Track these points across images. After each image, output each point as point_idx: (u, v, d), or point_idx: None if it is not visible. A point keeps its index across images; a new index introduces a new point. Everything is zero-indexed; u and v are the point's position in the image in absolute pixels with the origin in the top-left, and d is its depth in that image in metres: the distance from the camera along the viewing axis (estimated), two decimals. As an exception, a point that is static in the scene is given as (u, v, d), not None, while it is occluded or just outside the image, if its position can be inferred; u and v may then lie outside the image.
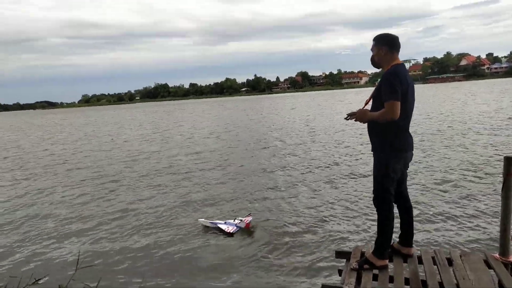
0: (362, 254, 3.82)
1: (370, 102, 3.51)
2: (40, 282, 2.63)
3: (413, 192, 7.30)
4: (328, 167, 10.22)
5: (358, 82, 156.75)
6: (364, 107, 3.58)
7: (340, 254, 4.02)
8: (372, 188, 3.53)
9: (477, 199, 6.66)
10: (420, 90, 66.57)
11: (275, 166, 10.93)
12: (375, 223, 3.63)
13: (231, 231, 6.20)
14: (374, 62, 3.56)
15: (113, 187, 9.65)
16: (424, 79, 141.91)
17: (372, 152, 3.54)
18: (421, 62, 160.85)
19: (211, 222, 6.50)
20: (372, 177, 3.55)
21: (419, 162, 10.09)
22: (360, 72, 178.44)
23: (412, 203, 3.74)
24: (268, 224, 6.52)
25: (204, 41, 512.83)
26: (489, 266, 3.47)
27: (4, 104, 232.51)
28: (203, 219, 6.65)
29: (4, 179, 11.89)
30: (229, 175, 10.23)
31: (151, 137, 21.68)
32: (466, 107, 26.33)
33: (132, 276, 4.75)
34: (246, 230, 6.27)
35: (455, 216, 5.98)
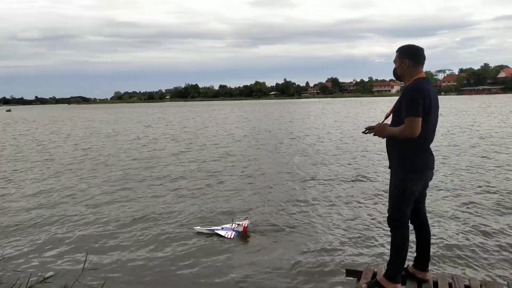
0: (374, 274, 3.62)
1: (391, 116, 3.32)
2: (48, 280, 2.60)
3: (435, 210, 6.95)
4: (351, 180, 9.93)
5: (389, 90, 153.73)
6: (384, 121, 3.42)
7: (350, 273, 3.83)
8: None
9: (505, 227, 6.21)
10: (454, 102, 64.74)
11: (305, 175, 10.72)
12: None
13: (231, 237, 6.08)
14: (397, 75, 3.38)
15: (131, 187, 9.69)
16: (458, 90, 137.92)
17: (389, 169, 3.35)
18: (457, 73, 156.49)
19: (208, 229, 6.37)
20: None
21: (445, 176, 9.68)
22: (392, 80, 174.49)
23: (431, 224, 3.53)
24: (269, 228, 6.40)
25: (236, 44, 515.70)
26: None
27: (41, 98, 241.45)
28: (199, 227, 6.52)
29: (31, 172, 12.19)
30: (248, 180, 10.13)
31: (179, 137, 21.83)
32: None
33: (136, 284, 4.68)
34: (244, 234, 6.14)
35: (481, 242, 5.61)
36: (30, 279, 2.43)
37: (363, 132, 3.44)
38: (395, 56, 3.34)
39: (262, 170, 11.38)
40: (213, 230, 6.33)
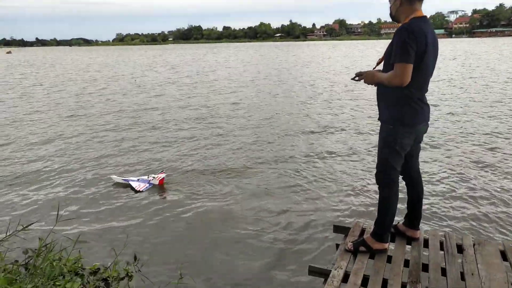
0: (362, 232, 3.44)
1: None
2: (29, 228, 2.43)
3: (430, 166, 6.66)
4: (337, 130, 9.55)
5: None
6: (375, 67, 3.08)
7: (338, 229, 3.66)
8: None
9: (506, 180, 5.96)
10: (466, 45, 62.55)
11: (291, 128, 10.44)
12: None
13: (141, 189, 5.94)
14: (392, 15, 2.96)
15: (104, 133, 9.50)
16: (470, 33, 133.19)
17: (379, 121, 3.05)
18: (469, 14, 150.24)
19: (124, 179, 6.23)
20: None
21: (448, 128, 9.35)
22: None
23: (425, 179, 3.28)
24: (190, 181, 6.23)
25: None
26: (505, 258, 3.02)
27: (42, 39, 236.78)
28: (115, 176, 6.37)
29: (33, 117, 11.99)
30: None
31: (176, 81, 21.34)
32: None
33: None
34: (159, 187, 6.02)
35: (476, 197, 5.38)
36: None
37: (352, 79, 3.11)
38: None
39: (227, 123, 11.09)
40: (127, 180, 6.20)
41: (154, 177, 6.15)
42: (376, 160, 3.08)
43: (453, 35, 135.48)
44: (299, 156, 7.39)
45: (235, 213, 5.11)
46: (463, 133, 8.76)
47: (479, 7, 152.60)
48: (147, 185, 6.04)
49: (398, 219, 3.37)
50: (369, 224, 3.50)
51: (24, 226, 2.35)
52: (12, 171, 6.76)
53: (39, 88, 18.95)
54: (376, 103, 3.08)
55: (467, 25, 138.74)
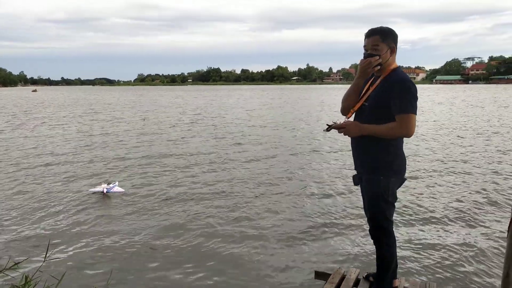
0: (342, 279, 3.45)
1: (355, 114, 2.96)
2: (19, 265, 2.53)
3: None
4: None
5: (414, 78, 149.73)
6: (349, 117, 2.96)
7: (319, 275, 3.67)
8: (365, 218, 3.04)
9: (480, 232, 5.80)
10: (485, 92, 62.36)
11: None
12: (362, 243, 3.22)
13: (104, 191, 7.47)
14: (381, 65, 2.82)
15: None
16: (487, 79, 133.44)
17: (359, 174, 3.01)
18: (486, 61, 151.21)
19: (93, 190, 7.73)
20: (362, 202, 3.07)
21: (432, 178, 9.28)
22: (417, 67, 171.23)
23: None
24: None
25: (259, 28, 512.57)
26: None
27: (66, 79, 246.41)
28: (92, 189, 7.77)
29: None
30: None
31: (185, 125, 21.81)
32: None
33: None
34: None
35: (453, 247, 5.23)
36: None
37: (325, 130, 2.84)
38: (369, 40, 2.80)
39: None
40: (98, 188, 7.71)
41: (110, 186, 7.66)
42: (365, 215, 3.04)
43: (470, 81, 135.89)
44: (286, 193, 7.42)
45: (212, 256, 5.10)
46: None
47: (496, 54, 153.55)
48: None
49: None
50: (350, 270, 3.52)
51: (12, 265, 2.42)
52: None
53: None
54: (353, 155, 3.02)
55: (484, 71, 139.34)
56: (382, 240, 3.00)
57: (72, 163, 10.54)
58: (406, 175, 3.00)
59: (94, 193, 7.60)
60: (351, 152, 3.09)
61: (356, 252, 5.05)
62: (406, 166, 2.97)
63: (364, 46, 2.85)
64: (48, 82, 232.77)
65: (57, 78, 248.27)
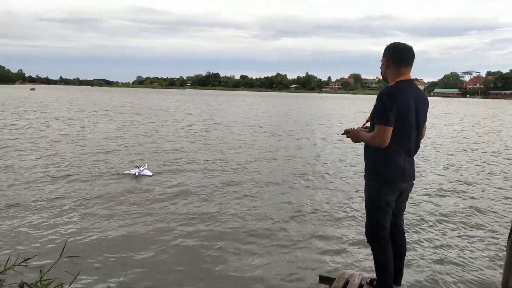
0: (346, 283, 3.50)
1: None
2: (28, 262, 2.52)
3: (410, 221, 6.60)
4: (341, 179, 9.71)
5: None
6: (364, 124, 3.21)
7: (323, 279, 3.73)
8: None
9: (481, 239, 5.90)
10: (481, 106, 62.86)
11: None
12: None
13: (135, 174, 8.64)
14: (382, 75, 3.12)
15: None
16: (485, 94, 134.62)
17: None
18: (484, 76, 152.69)
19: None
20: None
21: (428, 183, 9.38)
22: (416, 79, 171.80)
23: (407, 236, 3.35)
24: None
25: (259, 35, 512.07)
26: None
27: (65, 78, 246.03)
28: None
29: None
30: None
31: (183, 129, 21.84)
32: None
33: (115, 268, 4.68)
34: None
35: (452, 256, 5.28)
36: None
37: (341, 134, 3.28)
38: None
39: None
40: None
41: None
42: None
43: (467, 95, 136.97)
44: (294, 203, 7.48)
45: (217, 260, 5.14)
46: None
47: (494, 69, 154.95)
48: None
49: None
50: (355, 275, 3.57)
51: (22, 260, 2.42)
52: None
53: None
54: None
55: (481, 86, 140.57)
56: (374, 244, 3.11)
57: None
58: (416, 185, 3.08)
59: (126, 174, 8.82)
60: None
61: (360, 258, 5.14)
62: (410, 175, 3.02)
63: None
64: (46, 81, 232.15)
65: (56, 77, 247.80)
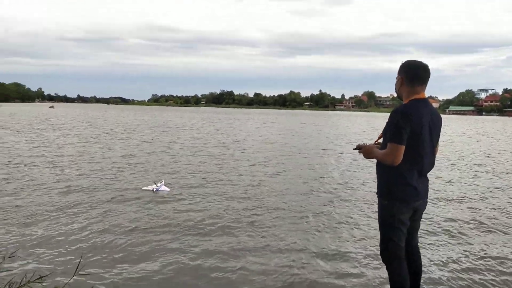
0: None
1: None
2: (44, 279, 2.59)
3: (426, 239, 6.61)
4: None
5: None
6: (377, 141, 3.26)
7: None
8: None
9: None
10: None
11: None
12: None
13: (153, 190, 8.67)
14: (396, 93, 3.14)
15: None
16: (501, 111, 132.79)
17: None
18: (500, 93, 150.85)
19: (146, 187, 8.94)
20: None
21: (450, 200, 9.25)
22: (430, 97, 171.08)
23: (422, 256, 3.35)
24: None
25: (273, 52, 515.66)
26: None
27: (83, 96, 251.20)
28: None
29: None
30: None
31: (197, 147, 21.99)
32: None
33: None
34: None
35: (477, 277, 5.26)
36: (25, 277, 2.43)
37: (354, 149, 3.31)
38: None
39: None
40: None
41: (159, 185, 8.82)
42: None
43: (483, 113, 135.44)
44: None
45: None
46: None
47: (510, 86, 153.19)
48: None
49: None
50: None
51: (37, 277, 2.44)
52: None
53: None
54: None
55: (498, 103, 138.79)
56: (390, 264, 3.12)
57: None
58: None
59: (145, 190, 8.96)
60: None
61: (376, 279, 5.11)
62: (423, 194, 3.05)
63: None
64: (65, 99, 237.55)
65: (73, 95, 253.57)
